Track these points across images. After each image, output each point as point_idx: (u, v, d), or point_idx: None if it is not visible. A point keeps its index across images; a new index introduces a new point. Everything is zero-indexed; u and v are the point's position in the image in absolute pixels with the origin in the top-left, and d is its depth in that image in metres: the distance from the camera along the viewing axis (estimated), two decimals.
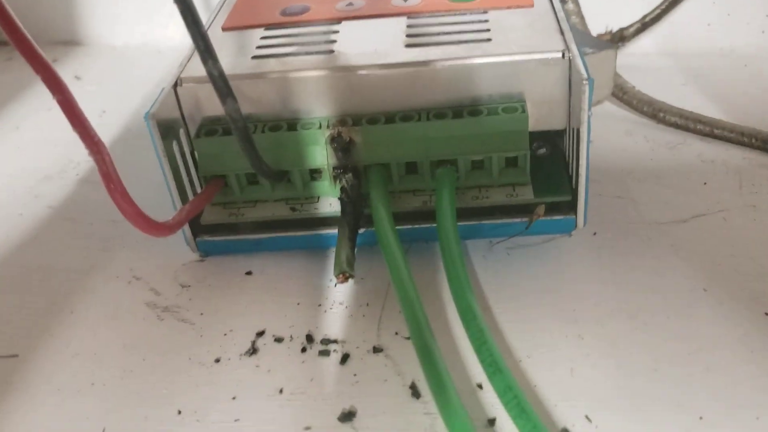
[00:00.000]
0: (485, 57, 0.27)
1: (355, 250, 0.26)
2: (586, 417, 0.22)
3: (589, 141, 0.26)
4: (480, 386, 0.23)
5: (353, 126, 0.28)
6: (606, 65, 0.40)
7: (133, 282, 0.29)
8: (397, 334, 0.26)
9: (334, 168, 0.28)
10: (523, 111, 0.27)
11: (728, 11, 0.48)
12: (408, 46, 0.28)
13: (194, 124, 0.29)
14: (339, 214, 0.29)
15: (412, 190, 0.29)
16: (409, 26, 0.29)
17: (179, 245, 0.29)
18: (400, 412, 0.23)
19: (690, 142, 0.38)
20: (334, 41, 0.29)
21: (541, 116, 0.28)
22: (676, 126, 0.39)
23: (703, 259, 0.29)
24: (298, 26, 0.31)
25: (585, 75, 0.25)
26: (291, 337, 0.26)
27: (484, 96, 0.27)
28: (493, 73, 0.27)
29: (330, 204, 0.29)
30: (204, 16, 0.30)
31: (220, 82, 0.24)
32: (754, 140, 0.37)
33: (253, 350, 0.25)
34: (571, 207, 0.28)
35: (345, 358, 0.25)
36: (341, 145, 0.28)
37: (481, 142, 0.27)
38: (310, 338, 0.26)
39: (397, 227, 0.27)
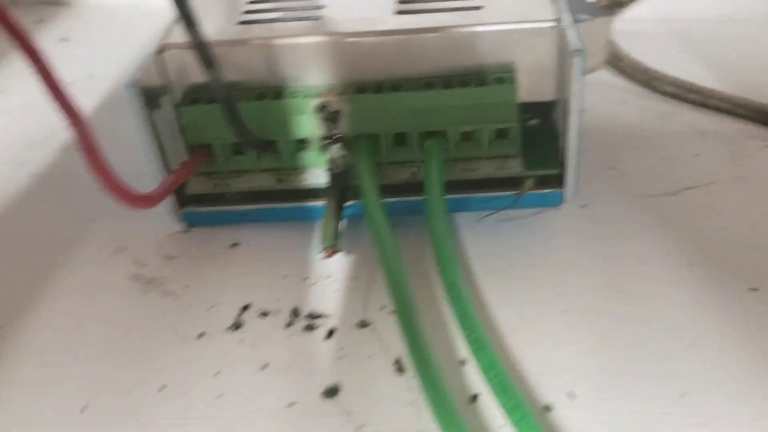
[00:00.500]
0: (476, 25, 0.26)
1: (342, 223, 0.26)
2: (569, 393, 0.22)
3: (579, 113, 0.25)
4: (463, 362, 0.23)
5: (341, 95, 0.27)
6: (601, 33, 0.39)
7: (117, 253, 0.29)
8: (383, 308, 0.26)
9: (321, 138, 0.28)
10: (512, 82, 0.26)
11: None
12: (398, 12, 0.27)
13: (179, 91, 0.28)
14: (326, 185, 0.28)
15: (401, 161, 0.29)
16: None
17: (165, 216, 0.29)
18: (384, 388, 0.23)
19: (683, 111, 0.38)
20: (322, 6, 0.28)
21: (532, 87, 0.27)
22: (670, 95, 0.39)
23: (691, 232, 0.29)
24: None
25: (576, 46, 0.24)
26: (276, 311, 0.26)
27: (475, 65, 0.27)
28: (484, 41, 0.26)
29: (317, 175, 0.29)
30: None
31: (202, 51, 0.23)
32: (747, 110, 0.36)
33: (237, 325, 0.25)
34: (560, 180, 0.28)
35: (331, 333, 0.25)
36: (329, 115, 0.27)
37: (470, 113, 0.27)
38: (296, 312, 0.26)
39: (386, 200, 0.27)
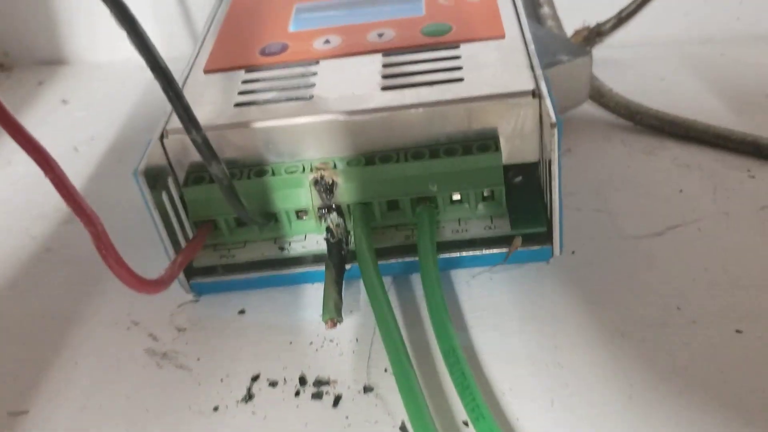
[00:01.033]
0: (457, 100, 0.28)
1: (342, 293, 0.27)
2: None
3: (560, 177, 0.27)
4: (466, 423, 0.25)
5: (335, 168, 0.29)
6: (581, 72, 0.41)
7: (131, 328, 0.30)
8: (386, 371, 0.27)
9: (318, 208, 0.29)
10: (497, 149, 0.28)
11: None
12: (384, 88, 0.29)
13: (182, 170, 0.30)
14: (325, 251, 0.30)
15: (395, 225, 0.30)
16: (384, 65, 0.30)
17: (174, 287, 0.30)
18: None
19: (667, 144, 0.39)
20: (313, 84, 0.30)
21: (515, 150, 0.29)
22: (653, 128, 0.40)
23: (678, 274, 0.30)
24: (278, 68, 0.31)
25: (553, 119, 0.26)
26: (284, 380, 0.27)
27: (459, 134, 0.28)
28: (466, 113, 0.28)
29: (317, 242, 0.30)
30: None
31: (204, 148, 0.25)
32: (728, 142, 0.38)
33: (249, 396, 0.27)
34: (548, 237, 0.29)
35: (337, 401, 0.26)
36: (324, 187, 0.29)
37: (458, 179, 0.28)
38: (303, 380, 0.27)
39: (382, 262, 0.29)
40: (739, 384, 0.25)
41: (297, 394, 0.27)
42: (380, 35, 0.32)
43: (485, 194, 0.29)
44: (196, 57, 0.33)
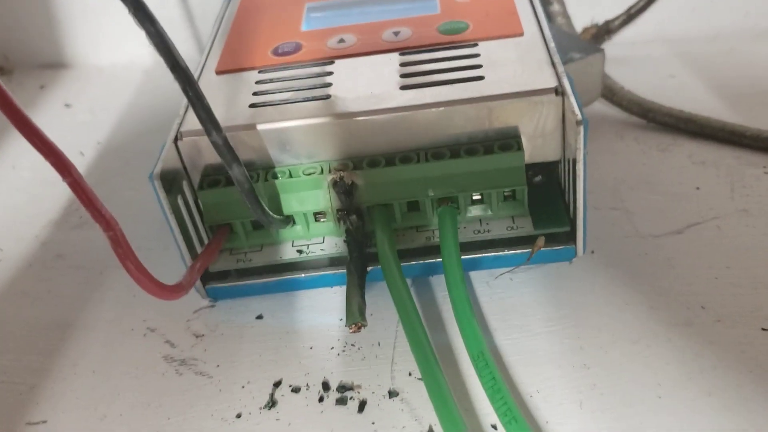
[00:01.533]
0: (479, 98, 0.27)
1: (365, 295, 0.27)
2: None
3: (585, 176, 0.26)
4: (494, 427, 0.24)
5: (354, 169, 0.28)
6: (594, 69, 0.40)
7: (148, 334, 0.30)
8: (410, 374, 0.27)
9: (337, 210, 0.29)
10: (519, 148, 0.27)
11: None
12: (403, 87, 0.28)
13: (197, 173, 0.29)
14: (345, 253, 0.29)
15: (416, 226, 0.30)
16: (402, 64, 0.30)
17: (190, 292, 0.30)
18: None
19: (681, 141, 0.39)
20: (329, 84, 0.29)
21: (536, 149, 0.28)
22: (666, 125, 0.40)
23: (700, 273, 0.30)
24: (292, 68, 0.31)
25: (579, 116, 0.25)
26: (307, 385, 0.27)
27: (479, 133, 0.28)
28: (487, 112, 0.27)
29: (336, 244, 0.30)
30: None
31: (224, 150, 0.24)
32: (743, 138, 0.37)
33: (272, 403, 0.26)
34: (570, 237, 0.29)
35: (362, 406, 0.26)
36: (343, 189, 0.28)
37: (480, 179, 0.28)
38: (326, 386, 0.27)
39: (403, 264, 0.28)
40: None
41: (321, 400, 0.26)
42: (396, 34, 0.32)
43: (507, 194, 0.29)
44: (206, 59, 0.33)
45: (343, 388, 0.26)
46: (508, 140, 0.28)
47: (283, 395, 0.26)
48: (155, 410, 0.26)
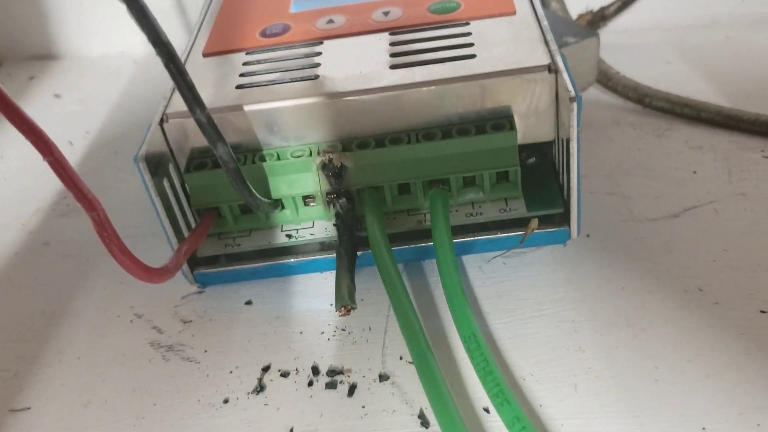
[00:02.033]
0: (471, 76, 0.27)
1: (354, 279, 0.26)
2: None
3: (579, 155, 0.26)
4: (487, 410, 0.24)
5: (343, 151, 0.28)
6: (589, 54, 0.40)
7: (135, 320, 0.29)
8: (401, 358, 0.26)
9: (327, 193, 0.28)
10: (512, 127, 0.27)
11: None
12: (392, 67, 0.28)
13: (183, 156, 0.28)
14: (335, 238, 0.29)
15: (407, 209, 0.29)
16: (392, 44, 0.29)
17: (177, 278, 0.29)
18: None
19: (677, 127, 0.38)
20: (317, 64, 0.29)
21: (529, 129, 0.28)
22: (663, 111, 0.39)
23: (697, 256, 0.29)
24: (280, 48, 0.30)
25: (573, 93, 0.25)
26: (297, 370, 0.26)
27: (471, 113, 0.27)
28: (479, 91, 0.27)
29: (325, 228, 0.30)
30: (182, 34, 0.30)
31: (209, 128, 0.24)
32: (740, 122, 0.37)
33: (260, 388, 0.26)
34: (565, 218, 0.28)
35: (352, 390, 0.25)
36: (333, 171, 0.28)
37: (472, 160, 0.27)
38: (315, 370, 0.26)
39: (394, 248, 0.28)
40: (767, 364, 0.24)
41: (310, 384, 0.26)
42: (386, 14, 0.31)
43: (499, 175, 0.28)
44: (194, 42, 0.32)
45: (333, 372, 0.26)
46: (501, 120, 0.27)
47: (271, 380, 0.26)
48: (141, 396, 0.26)
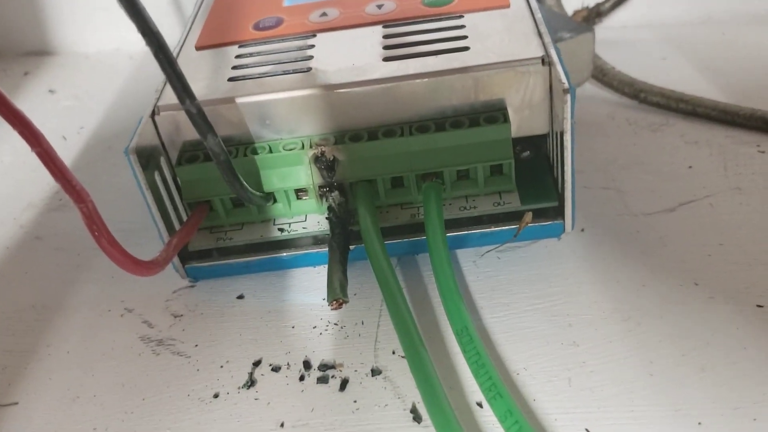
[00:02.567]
0: (464, 68, 0.26)
1: (347, 272, 0.26)
2: (586, 430, 0.23)
3: (573, 148, 0.26)
4: (480, 405, 0.24)
5: (336, 144, 0.27)
6: (584, 49, 0.40)
7: (125, 315, 0.29)
8: (394, 353, 0.26)
9: (319, 187, 0.28)
10: (506, 120, 0.27)
11: None
12: (386, 59, 0.28)
13: (174, 150, 0.28)
14: (327, 232, 0.29)
15: (400, 203, 0.29)
16: (385, 36, 0.29)
17: (168, 272, 0.29)
18: None
19: (673, 122, 0.38)
20: (310, 57, 0.28)
21: (523, 122, 0.27)
22: (658, 106, 0.39)
23: (693, 250, 0.29)
24: (273, 41, 0.30)
25: (566, 84, 0.24)
26: (288, 364, 0.26)
27: (465, 105, 0.27)
28: (473, 83, 0.27)
29: (318, 222, 0.29)
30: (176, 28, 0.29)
31: (199, 119, 0.23)
32: (736, 117, 0.37)
33: (251, 382, 0.25)
34: (559, 212, 0.28)
35: (344, 384, 0.25)
36: (325, 164, 0.27)
37: (465, 153, 0.27)
38: (307, 365, 0.26)
39: (387, 242, 0.27)
40: (763, 358, 0.24)
41: (302, 378, 0.25)
42: (379, 7, 0.31)
43: (493, 168, 0.28)
44: (187, 35, 0.32)
45: (324, 366, 0.26)
46: (495, 112, 0.27)
47: (262, 374, 0.26)
48: (130, 390, 0.26)
